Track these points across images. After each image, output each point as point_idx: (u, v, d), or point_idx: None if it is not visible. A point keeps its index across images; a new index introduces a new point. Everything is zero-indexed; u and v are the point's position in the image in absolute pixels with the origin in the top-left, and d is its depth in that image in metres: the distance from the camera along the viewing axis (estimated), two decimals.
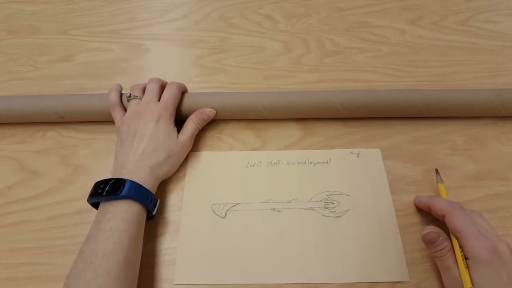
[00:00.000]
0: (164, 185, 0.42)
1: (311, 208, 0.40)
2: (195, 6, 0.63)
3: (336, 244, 0.38)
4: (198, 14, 0.62)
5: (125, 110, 0.44)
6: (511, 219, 0.40)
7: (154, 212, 0.37)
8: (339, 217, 0.40)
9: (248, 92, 0.47)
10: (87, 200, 0.36)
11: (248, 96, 0.46)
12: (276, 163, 0.44)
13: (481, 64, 0.53)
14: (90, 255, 0.32)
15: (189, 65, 0.55)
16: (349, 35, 0.58)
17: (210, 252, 0.38)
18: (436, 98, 0.45)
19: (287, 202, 0.41)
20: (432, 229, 0.34)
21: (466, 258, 0.32)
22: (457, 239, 0.33)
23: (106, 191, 0.35)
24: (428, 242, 0.34)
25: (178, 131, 0.42)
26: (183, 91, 0.46)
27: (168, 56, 0.56)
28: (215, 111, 0.45)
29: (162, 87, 0.44)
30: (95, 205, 0.36)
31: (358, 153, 0.44)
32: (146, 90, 0.44)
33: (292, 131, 0.46)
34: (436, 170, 0.41)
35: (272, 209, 0.40)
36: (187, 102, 0.45)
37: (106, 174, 0.39)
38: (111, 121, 0.44)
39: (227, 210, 0.40)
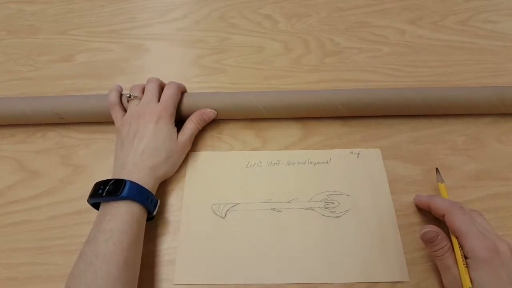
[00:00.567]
0: (164, 185, 0.42)
1: (311, 208, 0.40)
2: (195, 6, 0.63)
3: (336, 244, 0.38)
4: (198, 14, 0.62)
5: (125, 110, 0.44)
6: (511, 219, 0.40)
7: (154, 213, 0.37)
8: (339, 217, 0.40)
9: (248, 92, 0.46)
10: (87, 201, 0.36)
11: (248, 95, 0.46)
12: (276, 163, 0.44)
13: (481, 64, 0.53)
14: (90, 256, 0.32)
15: (189, 65, 0.55)
16: (349, 35, 0.58)
17: (210, 252, 0.38)
18: (435, 95, 0.45)
19: (287, 202, 0.41)
20: (431, 228, 0.34)
21: (465, 258, 0.32)
22: (457, 238, 0.33)
23: (106, 192, 0.35)
24: (427, 241, 0.34)
25: (178, 131, 0.42)
26: (183, 91, 0.46)
27: (168, 56, 0.56)
28: (215, 112, 0.45)
29: (162, 87, 0.44)
30: (95, 206, 0.36)
31: (358, 153, 0.44)
32: (145, 91, 0.44)
33: (292, 131, 0.46)
34: (437, 169, 0.41)
35: (272, 209, 0.40)
36: (187, 102, 0.45)
37: (106, 174, 0.39)
38: (110, 121, 0.44)
39: (227, 210, 0.40)
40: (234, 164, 0.44)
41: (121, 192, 0.34)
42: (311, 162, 0.44)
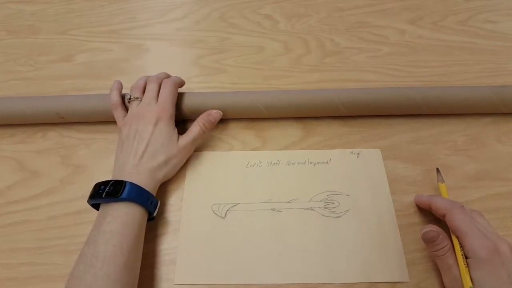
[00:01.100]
0: (164, 185, 0.42)
1: (311, 208, 0.40)
2: (195, 6, 0.63)
3: (336, 244, 0.38)
4: (198, 14, 0.62)
5: (127, 110, 0.44)
6: (511, 219, 0.40)
7: (154, 214, 0.37)
8: (339, 217, 0.40)
9: (248, 91, 0.47)
10: (87, 201, 0.36)
11: (248, 95, 0.46)
12: (276, 163, 0.44)
13: (481, 64, 0.53)
14: (90, 257, 0.32)
15: (189, 65, 0.55)
16: (349, 35, 0.58)
17: (210, 252, 0.38)
18: (436, 94, 0.45)
19: (287, 202, 0.41)
20: (432, 227, 0.34)
21: (466, 257, 0.32)
22: (457, 238, 0.33)
23: (106, 193, 0.35)
24: (428, 240, 0.34)
25: (180, 131, 0.42)
26: (180, 86, 0.45)
27: (168, 56, 0.56)
28: (221, 113, 0.44)
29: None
30: (95, 206, 0.36)
31: (358, 153, 0.44)
32: (146, 91, 0.43)
33: (292, 131, 0.46)
34: (437, 169, 0.41)
35: (272, 209, 0.40)
36: (188, 102, 0.45)
37: (106, 174, 0.39)
38: (111, 121, 0.44)
39: (227, 210, 0.40)
40: (234, 164, 0.44)
41: (121, 193, 0.34)
42: (311, 162, 0.44)
